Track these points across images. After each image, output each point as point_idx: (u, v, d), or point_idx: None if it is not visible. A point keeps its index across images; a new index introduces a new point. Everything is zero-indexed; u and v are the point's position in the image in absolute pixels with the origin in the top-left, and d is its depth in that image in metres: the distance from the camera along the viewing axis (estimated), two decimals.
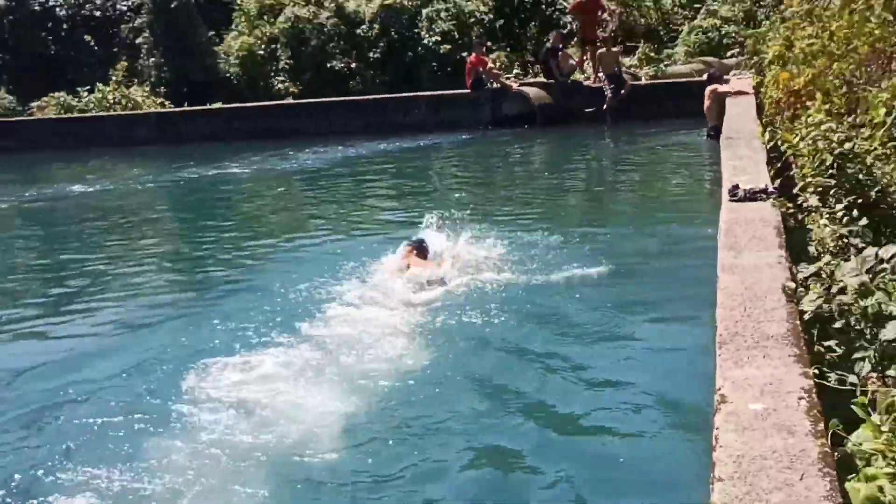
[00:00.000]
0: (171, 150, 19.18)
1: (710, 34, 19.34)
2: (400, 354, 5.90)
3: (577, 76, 17.18)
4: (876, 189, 6.90)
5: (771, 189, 5.11)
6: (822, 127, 7.22)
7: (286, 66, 22.71)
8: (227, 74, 23.18)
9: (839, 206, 6.93)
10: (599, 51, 16.14)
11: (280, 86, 22.57)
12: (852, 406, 2.26)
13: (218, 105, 20.78)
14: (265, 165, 15.96)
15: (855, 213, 6.82)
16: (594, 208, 10.96)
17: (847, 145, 7.04)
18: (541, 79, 17.44)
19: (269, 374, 5.65)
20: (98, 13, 27.00)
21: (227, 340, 6.38)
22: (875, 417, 2.34)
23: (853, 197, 6.84)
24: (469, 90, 17.35)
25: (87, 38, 26.56)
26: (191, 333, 6.75)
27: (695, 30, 19.64)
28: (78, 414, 5.41)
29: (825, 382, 2.51)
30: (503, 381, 5.45)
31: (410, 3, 22.54)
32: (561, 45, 16.98)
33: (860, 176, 6.98)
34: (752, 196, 4.91)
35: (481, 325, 6.38)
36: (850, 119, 7.83)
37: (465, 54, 21.77)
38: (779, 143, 8.56)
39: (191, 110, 21.24)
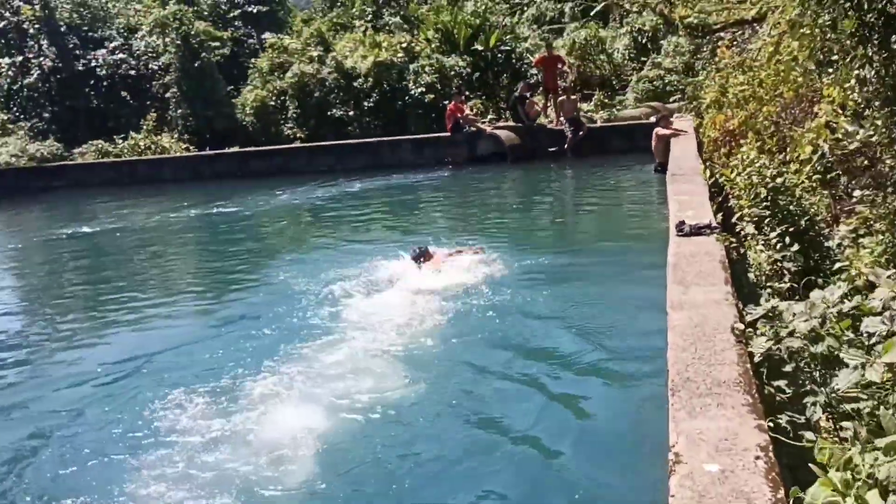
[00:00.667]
0: (194, 188, 18.68)
1: (655, 83, 19.05)
2: (405, 346, 5.97)
3: (542, 120, 16.85)
4: (805, 218, 6.51)
5: (714, 224, 4.73)
6: (756, 164, 6.85)
7: (294, 115, 22.27)
8: (244, 123, 22.72)
9: (773, 234, 6.53)
10: (560, 98, 15.82)
11: (289, 132, 22.15)
12: (810, 465, 1.84)
13: (234, 149, 20.35)
14: (274, 200, 15.55)
15: (787, 240, 6.43)
16: (558, 234, 10.61)
17: (779, 180, 6.66)
18: (511, 123, 17.12)
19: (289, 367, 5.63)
20: (133, 71, 26.50)
21: (256, 340, 6.45)
22: (833, 474, 1.91)
23: (785, 226, 6.45)
24: (449, 133, 17.00)
25: (124, 93, 26.05)
26: (221, 345, 6.64)
27: (642, 79, 19.35)
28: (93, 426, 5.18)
29: (780, 438, 2.11)
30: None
31: (399, 59, 22.16)
32: (527, 94, 16.66)
33: (791, 207, 6.60)
34: (697, 231, 4.53)
35: (465, 321, 6.49)
36: (780, 156, 7.46)
37: (446, 102, 21.48)
38: (718, 177, 8.19)
39: (211, 154, 20.79)
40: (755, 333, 2.68)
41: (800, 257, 6.39)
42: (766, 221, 6.79)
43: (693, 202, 5.46)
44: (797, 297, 5.69)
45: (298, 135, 21.93)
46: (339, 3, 29.06)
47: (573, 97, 16.03)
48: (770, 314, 2.77)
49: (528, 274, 7.85)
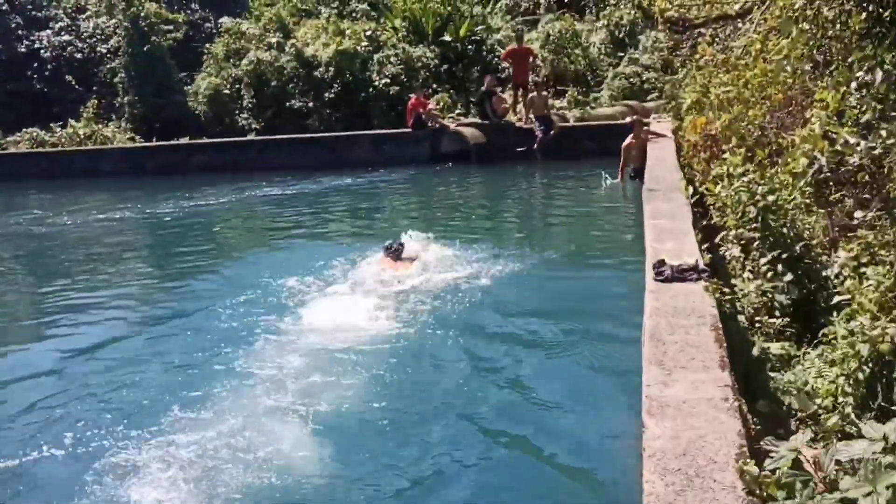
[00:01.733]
0: (134, 183, 17.57)
1: (632, 80, 18.38)
2: (370, 342, 6.05)
3: (510, 117, 15.98)
4: (800, 243, 5.79)
5: (702, 266, 3.92)
6: (745, 178, 6.10)
7: (249, 105, 21.23)
8: (196, 112, 21.62)
9: (763, 261, 5.80)
10: (530, 94, 14.96)
11: (244, 122, 21.08)
12: None
13: (181, 141, 19.28)
14: (218, 199, 14.55)
15: (779, 267, 5.71)
16: (524, 241, 9.76)
17: (770, 198, 5.92)
18: (477, 120, 16.23)
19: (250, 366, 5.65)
20: (80, 54, 25.23)
21: (218, 337, 6.33)
22: None
23: (778, 251, 5.73)
24: (410, 129, 16.10)
25: (69, 77, 24.77)
26: (175, 344, 6.54)
27: (618, 76, 18.67)
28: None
29: None
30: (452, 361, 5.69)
31: (364, 48, 21.22)
32: (495, 89, 15.77)
33: (784, 229, 5.87)
34: (680, 275, 3.73)
35: (439, 316, 6.59)
36: (770, 169, 6.73)
37: (411, 95, 20.62)
38: (701, 190, 7.46)
39: (153, 146, 19.69)
40: (775, 485, 1.90)
41: (794, 288, 5.67)
42: (756, 244, 6.06)
43: (674, 229, 4.67)
44: (797, 346, 4.94)
45: (254, 126, 20.89)
46: None
47: (544, 93, 15.22)
48: (800, 457, 1.95)
49: (482, 296, 7.20)
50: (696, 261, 4.03)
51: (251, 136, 20.43)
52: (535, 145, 14.50)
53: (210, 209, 13.48)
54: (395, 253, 8.14)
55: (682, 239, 4.46)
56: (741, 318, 4.80)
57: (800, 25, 6.20)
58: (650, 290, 3.69)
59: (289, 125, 20.62)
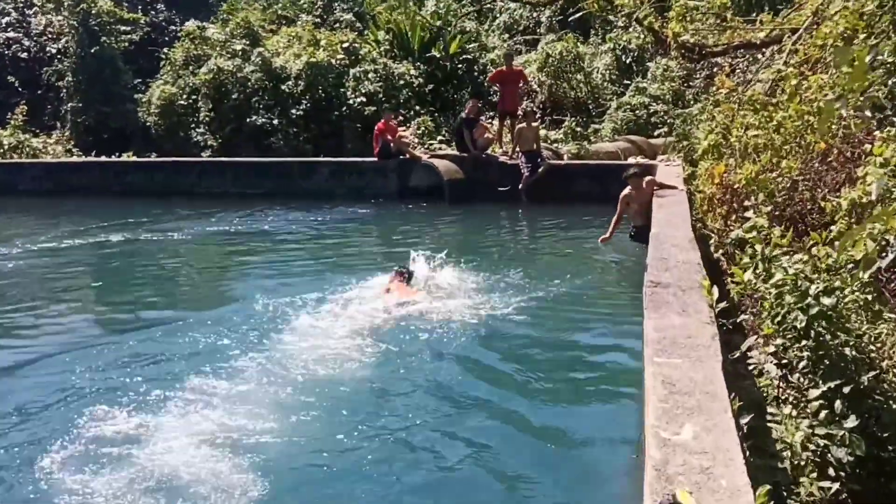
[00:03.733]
0: (54, 204, 15.70)
1: (638, 112, 16.94)
2: (364, 361, 6.12)
3: (494, 150, 14.39)
4: (871, 373, 4.19)
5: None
6: (792, 270, 4.50)
7: (206, 119, 19.67)
8: (147, 123, 20.08)
9: (814, 393, 4.20)
10: (520, 125, 13.39)
11: (199, 138, 19.53)
12: None
13: (113, 158, 17.58)
14: (153, 226, 12.81)
15: (839, 405, 4.11)
16: (500, 309, 7.98)
17: (827, 301, 4.32)
18: (454, 151, 14.51)
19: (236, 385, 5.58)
20: (26, 54, 23.74)
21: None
22: None
23: (837, 381, 4.13)
24: (376, 158, 14.52)
25: (12, 79, 23.24)
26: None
27: (623, 106, 17.23)
28: None
29: None
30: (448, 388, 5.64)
31: (339, 61, 19.76)
32: (476, 116, 14.15)
33: (846, 349, 4.26)
34: None
35: (437, 342, 6.60)
36: (816, 249, 5.14)
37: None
38: (728, 286, 5.97)
39: (78, 162, 18.01)
40: None
41: (860, 442, 4.08)
42: (802, 365, 4.46)
43: (694, 389, 2.87)
44: None
45: (210, 142, 19.35)
46: None
47: (535, 124, 13.61)
48: None
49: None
50: (742, 481, 2.27)
51: (205, 157, 18.93)
52: (521, 185, 12.94)
53: (129, 246, 11.65)
54: (406, 278, 8.16)
55: (709, 417, 2.63)
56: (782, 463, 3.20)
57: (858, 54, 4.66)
58: None
59: (250, 144, 19.17)
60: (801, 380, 4.41)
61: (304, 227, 12.48)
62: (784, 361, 4.55)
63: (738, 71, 12.90)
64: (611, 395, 5.58)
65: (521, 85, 14.80)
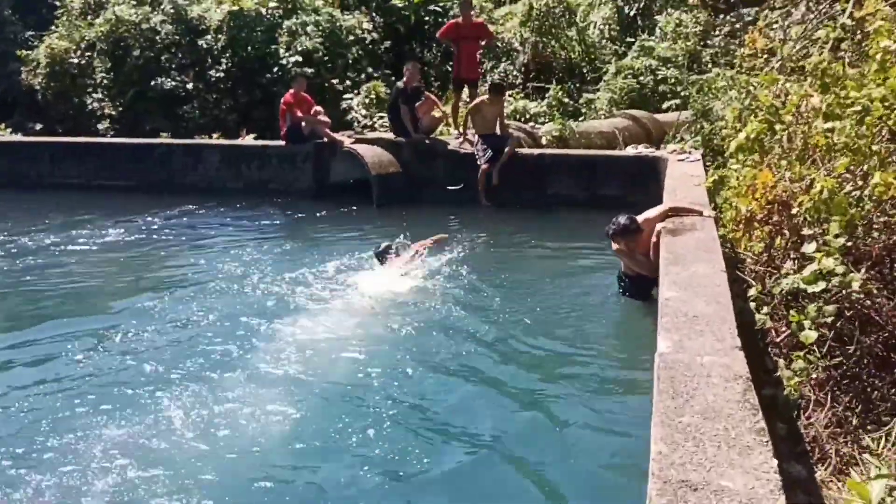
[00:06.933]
0: None
1: (642, 78, 14.16)
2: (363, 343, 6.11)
3: (444, 134, 11.39)
4: None
5: None
6: None
7: (104, 82, 16.81)
8: (33, 86, 17.25)
9: None
10: (478, 99, 10.50)
11: (95, 105, 16.70)
12: None
13: None
14: None
15: None
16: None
17: None
18: (387, 135, 11.56)
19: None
20: None
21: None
22: None
23: None
24: (283, 142, 11.66)
25: None
26: None
27: (623, 71, 14.43)
28: None
29: None
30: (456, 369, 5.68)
31: (271, 11, 16.91)
32: (418, 85, 11.10)
33: None
34: None
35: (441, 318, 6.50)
36: None
37: (334, 81, 16.38)
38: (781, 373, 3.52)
39: None
40: None
41: None
42: None
43: None
44: None
45: (108, 111, 16.54)
46: None
47: (497, 97, 10.59)
48: None
49: None
50: None
51: (101, 127, 16.10)
52: (478, 181, 10.04)
53: None
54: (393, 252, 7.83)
55: None
56: None
57: None
58: None
59: (159, 113, 16.40)
60: None
61: (172, 242, 9.60)
62: None
63: (777, 27, 10.14)
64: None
65: (481, 42, 11.86)
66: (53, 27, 18.61)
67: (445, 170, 10.77)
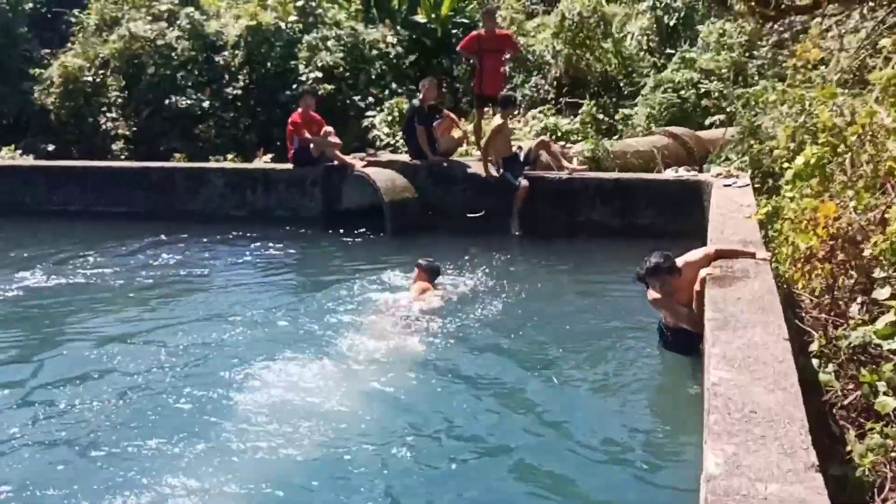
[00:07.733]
0: None
1: (683, 92, 13.37)
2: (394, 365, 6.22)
3: (466, 155, 10.60)
4: None
5: None
6: None
7: (117, 100, 16.46)
8: (46, 106, 16.94)
9: None
10: (494, 124, 9.72)
11: (110, 124, 16.34)
12: None
13: None
14: None
15: None
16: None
17: None
18: (401, 157, 10.91)
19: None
20: None
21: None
22: None
23: None
24: (291, 165, 11.03)
25: None
26: None
27: (663, 84, 13.66)
28: None
29: None
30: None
31: (290, 25, 16.46)
32: (435, 103, 10.35)
33: None
34: None
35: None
36: None
37: (356, 98, 15.83)
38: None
39: None
40: None
41: None
42: None
43: None
44: None
45: (121, 131, 16.15)
46: None
47: (513, 109, 9.61)
48: None
49: None
50: None
51: (115, 148, 15.74)
52: (513, 206, 9.24)
53: None
54: (429, 273, 7.79)
55: None
56: None
57: None
58: None
59: (175, 132, 16.02)
60: None
61: (170, 277, 9.01)
62: None
63: (834, 35, 9.34)
64: None
65: (506, 56, 11.09)
66: (70, 44, 18.41)
67: (465, 195, 10.10)
